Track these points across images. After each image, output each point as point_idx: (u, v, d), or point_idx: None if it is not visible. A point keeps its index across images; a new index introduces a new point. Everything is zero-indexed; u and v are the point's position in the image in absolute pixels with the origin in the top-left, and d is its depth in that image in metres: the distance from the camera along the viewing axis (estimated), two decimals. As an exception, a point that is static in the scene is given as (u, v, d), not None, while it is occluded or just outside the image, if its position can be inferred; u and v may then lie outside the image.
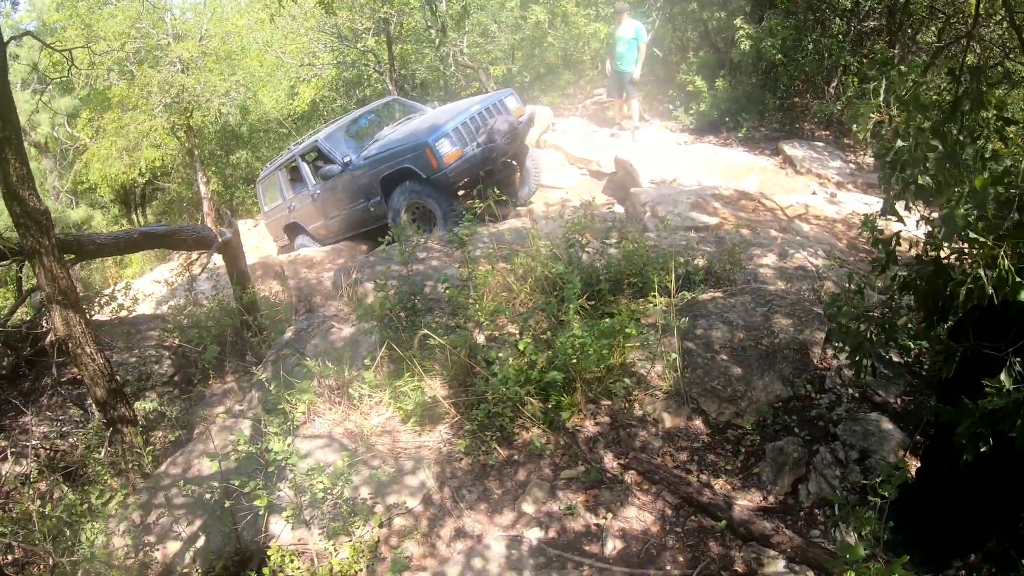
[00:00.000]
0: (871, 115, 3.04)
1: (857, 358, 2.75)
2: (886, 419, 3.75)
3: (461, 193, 8.74)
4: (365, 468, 3.73)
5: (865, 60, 11.32)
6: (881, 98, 2.96)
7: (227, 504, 3.53)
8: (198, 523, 3.91)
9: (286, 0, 9.38)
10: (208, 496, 3.62)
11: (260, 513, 3.48)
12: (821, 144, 10.84)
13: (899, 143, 2.79)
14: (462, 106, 9.35)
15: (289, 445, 3.38)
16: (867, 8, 11.23)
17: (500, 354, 4.05)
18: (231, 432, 4.46)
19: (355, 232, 10.09)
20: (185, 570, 3.68)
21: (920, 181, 2.78)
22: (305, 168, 10.22)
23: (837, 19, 11.54)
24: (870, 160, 10.64)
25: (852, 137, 10.98)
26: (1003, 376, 2.28)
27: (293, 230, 11.14)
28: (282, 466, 3.43)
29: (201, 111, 16.59)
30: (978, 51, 11.37)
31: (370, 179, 8.98)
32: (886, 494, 2.60)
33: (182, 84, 15.99)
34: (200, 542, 3.79)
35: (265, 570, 3.24)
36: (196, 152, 17.67)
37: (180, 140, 17.41)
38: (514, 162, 9.65)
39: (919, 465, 3.25)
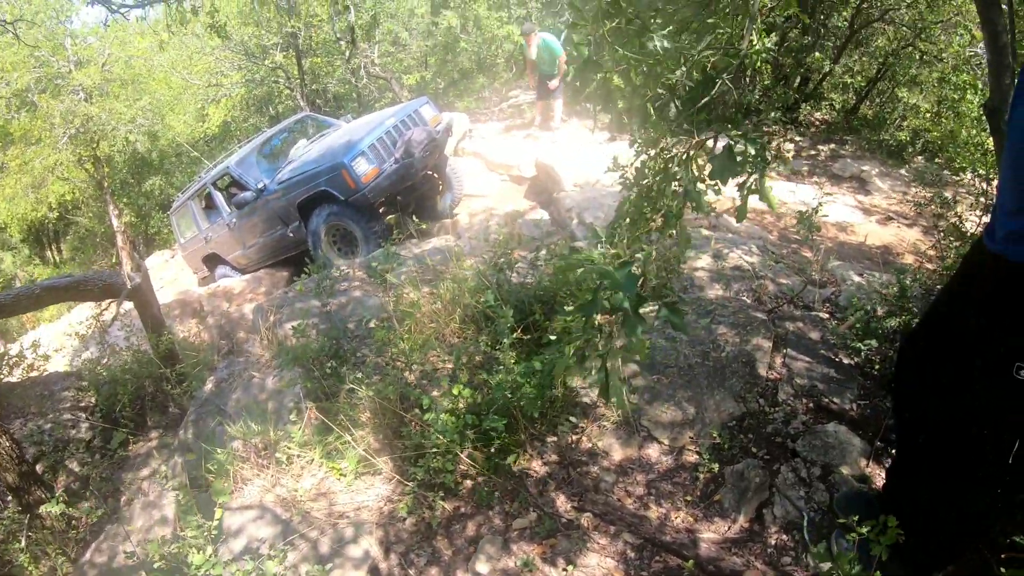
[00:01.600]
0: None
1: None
2: (844, 428, 3.59)
3: (382, 211, 8.45)
4: (303, 541, 3.43)
5: (778, 47, 11.40)
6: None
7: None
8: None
9: (174, 26, 8.96)
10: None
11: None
12: (740, 134, 10.83)
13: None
14: (376, 119, 9.06)
15: (210, 557, 3.06)
16: (779, -2, 11.31)
17: (435, 394, 3.78)
18: (155, 508, 4.12)
19: (277, 259, 9.75)
20: None
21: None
22: (218, 196, 9.82)
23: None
24: (789, 146, 10.71)
25: (771, 125, 11.04)
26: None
27: (212, 261, 10.71)
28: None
29: (108, 140, 15.97)
30: (890, 33, 11.59)
31: (287, 204, 8.66)
32: (875, 553, 2.44)
33: (86, 113, 15.34)
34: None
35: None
36: (106, 183, 16.98)
37: (88, 172, 16.72)
38: (434, 174, 9.40)
39: (884, 479, 3.13)
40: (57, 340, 8.90)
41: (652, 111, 2.32)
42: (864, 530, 2.41)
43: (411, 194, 8.66)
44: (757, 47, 2.25)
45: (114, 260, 16.63)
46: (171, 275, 13.22)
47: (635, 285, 2.00)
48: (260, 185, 8.90)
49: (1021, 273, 2.08)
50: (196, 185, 10.57)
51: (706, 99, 2.25)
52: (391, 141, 8.29)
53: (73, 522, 4.53)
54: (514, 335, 3.96)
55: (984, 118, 7.22)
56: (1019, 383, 2.11)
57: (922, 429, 2.71)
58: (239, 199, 8.99)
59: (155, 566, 3.24)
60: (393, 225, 5.93)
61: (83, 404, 6.04)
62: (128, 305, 6.38)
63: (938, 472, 2.57)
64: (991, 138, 4.31)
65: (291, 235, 8.92)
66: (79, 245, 21.79)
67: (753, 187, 2.45)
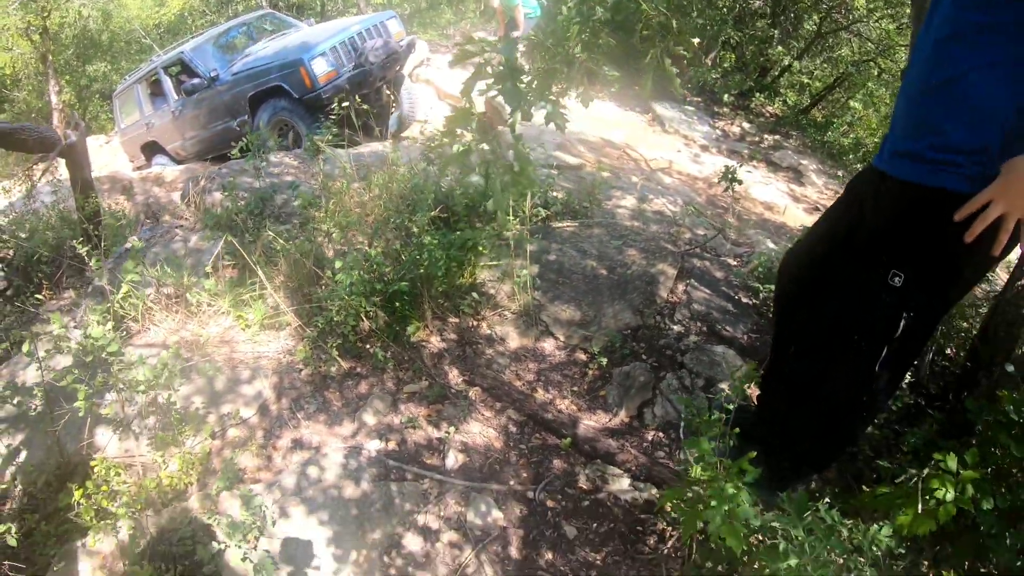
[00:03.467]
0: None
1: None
2: (732, 352, 3.83)
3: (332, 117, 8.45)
4: (199, 377, 3.53)
5: (745, 37, 11.62)
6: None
7: (43, 411, 3.25)
8: (20, 437, 3.60)
9: None
10: (32, 406, 3.32)
11: (81, 414, 3.21)
12: (692, 109, 11.07)
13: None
14: (341, 25, 8.98)
15: (109, 331, 3.12)
16: (755, -14, 11.54)
17: (347, 260, 3.88)
18: (62, 341, 4.15)
19: (218, 153, 9.57)
20: (3, 485, 3.39)
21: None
22: (167, 82, 9.59)
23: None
24: (736, 129, 10.98)
25: (722, 106, 11.29)
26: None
27: (151, 149, 10.48)
28: (106, 364, 3.17)
29: (60, 12, 15.37)
30: (855, 45, 11.91)
31: (237, 96, 8.53)
32: (732, 397, 2.62)
33: (41, -21, 14.75)
34: (21, 456, 3.49)
35: (88, 483, 3.00)
36: (50, 58, 16.38)
37: (34, 43, 16.08)
38: (389, 92, 9.37)
39: (759, 393, 3.33)
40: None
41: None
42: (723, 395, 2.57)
43: (364, 104, 8.66)
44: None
45: (48, 138, 16.05)
46: (104, 161, 12.88)
47: (513, 51, 2.22)
48: (213, 73, 8.78)
49: (901, 189, 2.26)
50: (145, 68, 10.33)
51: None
52: (352, 47, 8.24)
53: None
54: (432, 213, 4.08)
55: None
56: (893, 290, 2.30)
57: (795, 340, 2.92)
58: (189, 85, 8.83)
59: (56, 334, 3.24)
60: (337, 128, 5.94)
61: (0, 255, 5.95)
62: (61, 174, 6.28)
63: (805, 381, 2.74)
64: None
65: (236, 128, 8.74)
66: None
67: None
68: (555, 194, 5.32)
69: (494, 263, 4.16)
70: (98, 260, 3.84)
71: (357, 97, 8.10)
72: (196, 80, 8.83)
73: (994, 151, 2.05)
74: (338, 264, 3.66)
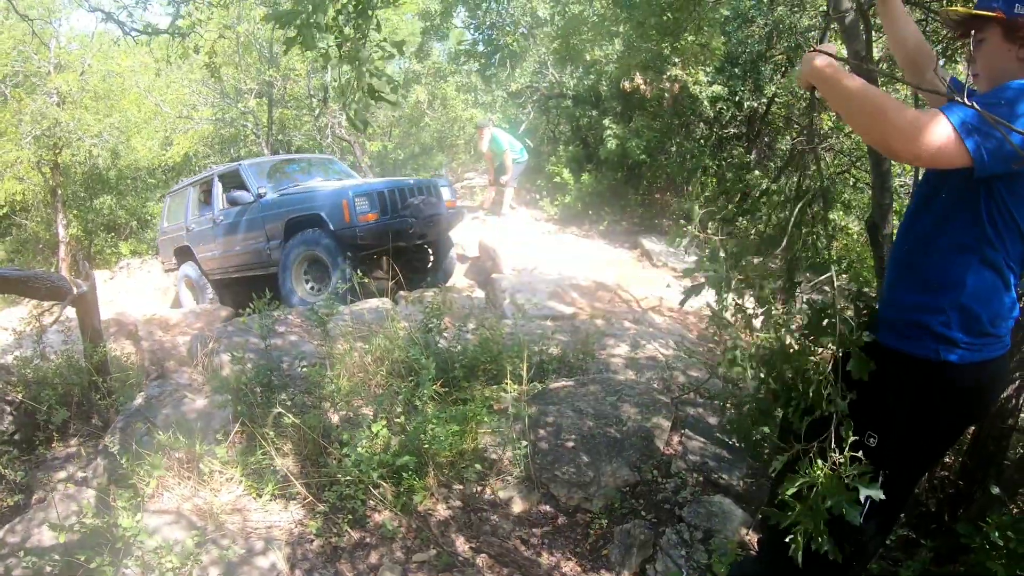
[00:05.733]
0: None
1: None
2: (729, 500, 3.95)
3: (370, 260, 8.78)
4: (215, 548, 3.63)
5: (723, 163, 12.11)
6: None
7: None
8: (36, 604, 3.67)
9: (175, 58, 9.31)
10: (49, 569, 3.41)
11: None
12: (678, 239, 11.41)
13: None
14: (396, 179, 9.44)
15: (139, 521, 3.26)
16: (728, 116, 12.05)
17: (354, 434, 4.06)
18: (74, 501, 4.24)
19: (243, 273, 9.86)
20: (23, 658, 3.44)
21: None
22: (218, 191, 9.97)
23: (701, 125, 12.33)
24: (722, 254, 11.30)
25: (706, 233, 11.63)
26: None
27: (183, 255, 10.82)
28: (129, 543, 3.30)
29: (71, 149, 16.01)
30: (827, 160, 12.38)
31: (277, 216, 8.84)
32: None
33: (55, 118, 15.42)
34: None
35: (111, 659, 3.09)
36: (60, 191, 16.95)
37: (45, 176, 16.68)
38: (430, 250, 9.63)
39: (759, 538, 3.42)
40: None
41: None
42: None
43: (400, 257, 8.85)
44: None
45: (53, 269, 16.47)
46: (109, 297, 13.15)
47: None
48: (261, 191, 9.17)
49: (882, 355, 2.41)
50: (203, 174, 10.85)
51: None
52: (400, 198, 8.60)
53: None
54: (434, 386, 4.28)
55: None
56: (868, 449, 2.41)
57: None
58: (234, 196, 9.20)
59: (85, 523, 3.35)
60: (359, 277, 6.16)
61: (8, 398, 6.08)
62: (68, 314, 6.48)
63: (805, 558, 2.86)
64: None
65: (267, 252, 9.11)
66: (20, 248, 21.40)
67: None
68: (551, 350, 5.53)
69: (495, 430, 4.33)
70: (111, 434, 3.98)
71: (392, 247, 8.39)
72: (243, 192, 9.17)
73: (954, 312, 2.23)
74: (345, 437, 3.84)
